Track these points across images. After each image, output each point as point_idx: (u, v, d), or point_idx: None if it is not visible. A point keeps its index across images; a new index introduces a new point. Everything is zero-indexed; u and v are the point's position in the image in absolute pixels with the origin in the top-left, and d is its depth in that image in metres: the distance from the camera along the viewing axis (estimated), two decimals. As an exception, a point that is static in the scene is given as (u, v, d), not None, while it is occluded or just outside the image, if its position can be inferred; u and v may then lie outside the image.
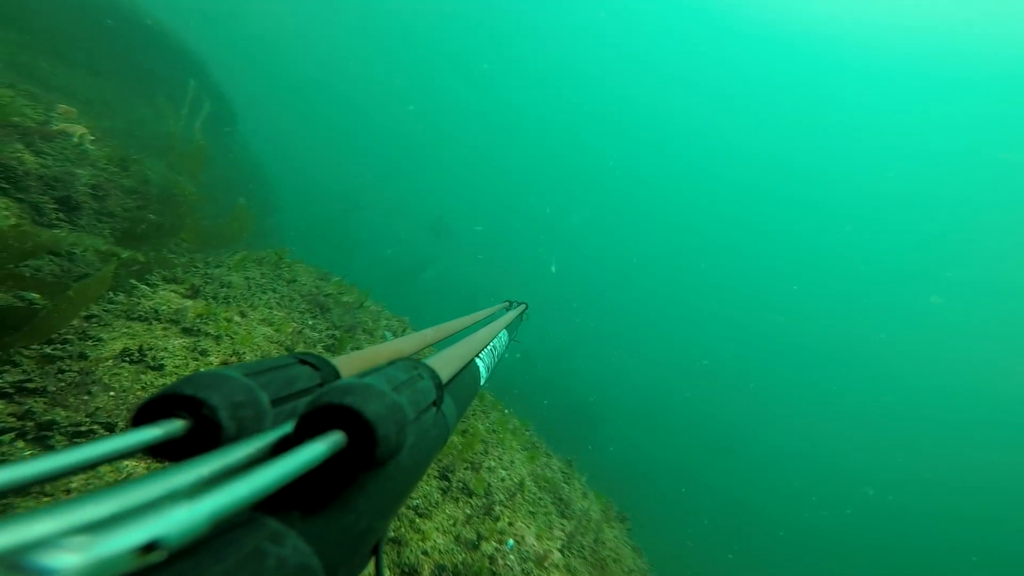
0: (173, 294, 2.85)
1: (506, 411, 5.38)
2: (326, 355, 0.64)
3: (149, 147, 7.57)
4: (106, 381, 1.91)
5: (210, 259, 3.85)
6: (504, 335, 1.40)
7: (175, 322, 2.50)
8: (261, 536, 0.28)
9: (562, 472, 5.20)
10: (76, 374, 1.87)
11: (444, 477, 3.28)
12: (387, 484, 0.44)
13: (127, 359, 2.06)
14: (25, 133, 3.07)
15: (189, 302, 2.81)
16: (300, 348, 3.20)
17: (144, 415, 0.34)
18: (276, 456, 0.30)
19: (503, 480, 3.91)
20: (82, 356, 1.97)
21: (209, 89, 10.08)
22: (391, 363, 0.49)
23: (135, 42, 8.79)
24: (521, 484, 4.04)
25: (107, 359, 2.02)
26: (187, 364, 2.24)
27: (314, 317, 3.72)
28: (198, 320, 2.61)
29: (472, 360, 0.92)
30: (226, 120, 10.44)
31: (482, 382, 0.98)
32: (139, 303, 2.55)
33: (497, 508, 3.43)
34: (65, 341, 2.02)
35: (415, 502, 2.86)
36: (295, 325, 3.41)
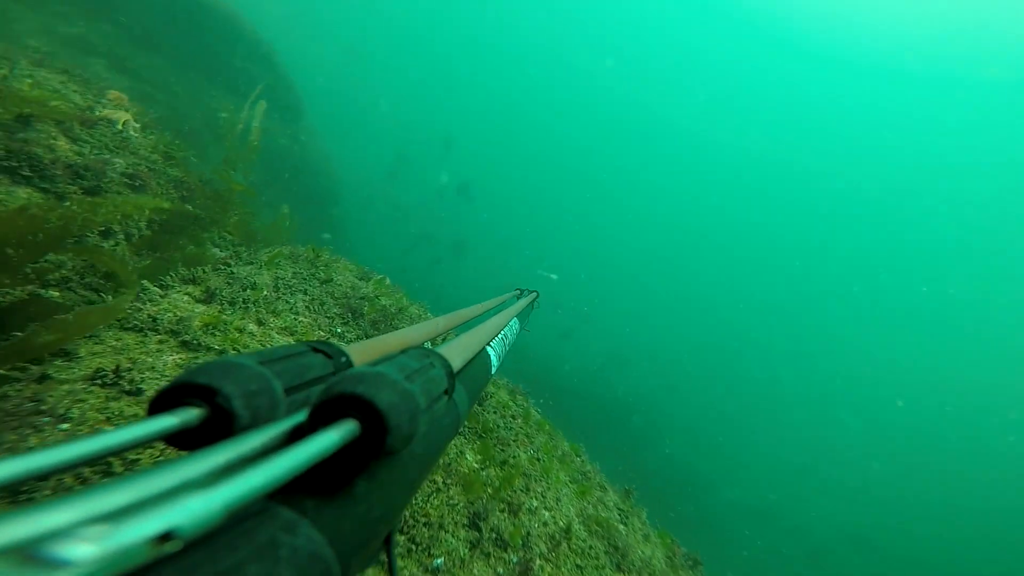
0: (187, 297, 2.57)
1: (554, 433, 4.80)
2: (338, 343, 0.57)
3: (212, 137, 7.79)
4: (62, 411, 1.57)
5: (245, 255, 3.61)
6: (515, 323, 1.36)
7: (175, 333, 2.19)
8: (275, 526, 0.28)
9: (618, 509, 4.54)
10: (27, 400, 1.56)
11: (474, 526, 2.79)
12: (399, 473, 0.43)
13: (99, 381, 1.73)
14: (64, 120, 2.96)
15: (200, 308, 2.51)
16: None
17: (160, 404, 0.34)
18: (290, 445, 0.29)
19: (546, 524, 3.35)
20: (44, 378, 1.67)
21: (281, 80, 10.36)
22: (403, 351, 0.48)
23: (217, 35, 9.13)
24: (568, 529, 3.47)
25: (75, 381, 1.70)
26: (173, 388, 1.89)
27: (345, 323, 3.37)
28: (203, 331, 2.29)
29: (483, 349, 0.91)
30: (295, 110, 10.68)
31: (493, 371, 0.96)
32: (141, 309, 2.26)
33: (537, 564, 2.89)
34: (32, 358, 1.73)
35: (436, 561, 2.39)
36: (322, 334, 3.06)
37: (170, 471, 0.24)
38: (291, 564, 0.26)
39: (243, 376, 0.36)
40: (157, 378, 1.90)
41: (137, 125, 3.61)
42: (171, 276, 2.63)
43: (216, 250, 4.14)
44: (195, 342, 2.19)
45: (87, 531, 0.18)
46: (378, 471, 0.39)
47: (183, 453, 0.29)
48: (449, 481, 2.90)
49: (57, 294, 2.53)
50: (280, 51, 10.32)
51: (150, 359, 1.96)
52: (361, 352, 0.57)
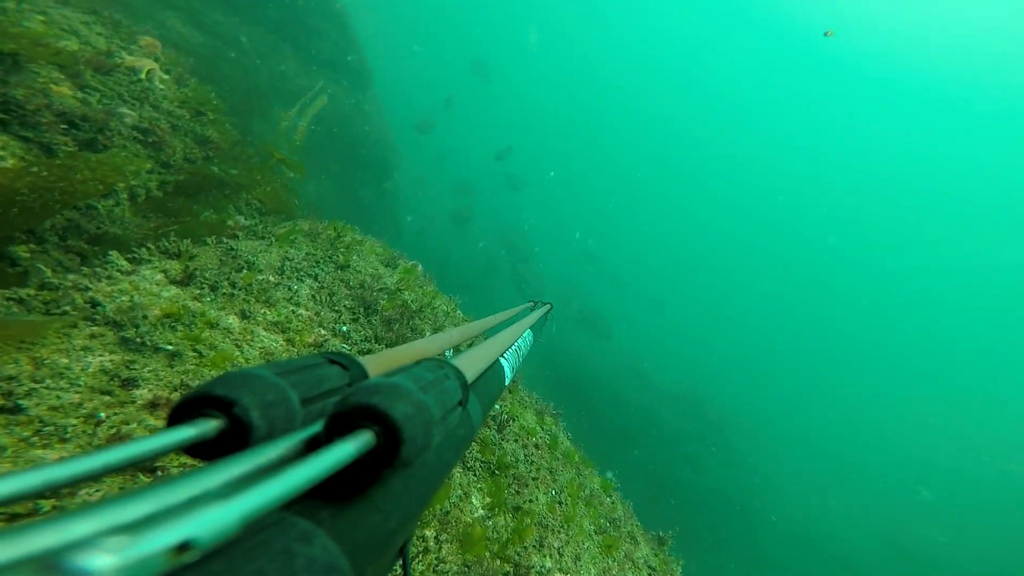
0: (160, 276, 2.16)
1: (583, 465, 4.14)
2: (354, 354, 0.57)
3: (277, 97, 7.64)
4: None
5: (260, 228, 3.23)
6: (529, 335, 1.36)
7: (117, 326, 1.77)
8: (291, 536, 0.28)
9: (648, 568, 3.82)
10: None
11: (466, 600, 2.24)
12: (413, 484, 0.43)
13: (-32, 394, 1.32)
14: (70, 63, 2.66)
15: (171, 291, 2.10)
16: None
17: (179, 415, 0.34)
18: (306, 456, 0.29)
19: (560, 593, 2.76)
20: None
21: (351, 44, 10.13)
22: (418, 363, 0.48)
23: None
24: (585, 600, 2.85)
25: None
26: (80, 405, 1.46)
27: (353, 319, 2.89)
28: (159, 325, 1.86)
29: (497, 360, 0.92)
30: (363, 77, 10.44)
31: (506, 382, 0.95)
32: (90, 288, 1.86)
33: (538, 655, 2.31)
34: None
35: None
36: (321, 332, 2.59)
37: (188, 482, 0.24)
38: (307, 574, 0.26)
39: (260, 387, 0.36)
40: (64, 388, 1.46)
41: (166, 76, 3.30)
42: (149, 248, 2.23)
43: (240, 218, 3.83)
44: (140, 340, 1.76)
45: (107, 541, 0.18)
46: (392, 481, 0.39)
47: (201, 463, 0.29)
48: (444, 537, 2.36)
49: (26, 254, 2.23)
50: (351, 11, 10.04)
51: (65, 360, 1.54)
52: (376, 364, 0.57)
